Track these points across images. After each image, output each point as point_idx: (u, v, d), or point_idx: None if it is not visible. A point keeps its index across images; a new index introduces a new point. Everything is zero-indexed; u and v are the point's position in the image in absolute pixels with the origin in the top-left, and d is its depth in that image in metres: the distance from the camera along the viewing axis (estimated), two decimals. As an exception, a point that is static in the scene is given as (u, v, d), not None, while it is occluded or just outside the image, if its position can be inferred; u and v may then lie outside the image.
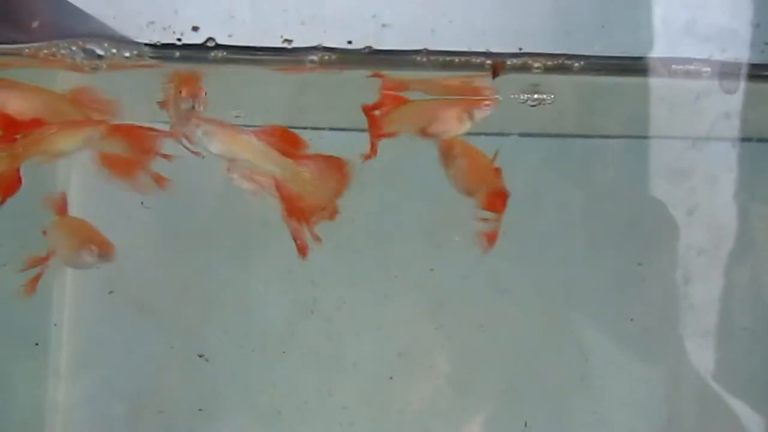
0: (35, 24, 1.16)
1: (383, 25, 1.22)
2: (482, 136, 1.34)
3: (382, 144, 1.36)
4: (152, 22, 1.18)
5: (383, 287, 1.47)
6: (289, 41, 1.21)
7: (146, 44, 1.16)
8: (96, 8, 1.18)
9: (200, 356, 1.46)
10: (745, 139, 1.39)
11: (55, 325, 1.48)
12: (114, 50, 1.15)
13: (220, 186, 1.40)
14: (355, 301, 1.47)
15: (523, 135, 1.47)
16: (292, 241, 1.25)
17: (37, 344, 1.46)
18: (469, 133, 1.35)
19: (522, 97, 1.32)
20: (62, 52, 1.14)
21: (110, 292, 1.47)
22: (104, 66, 1.15)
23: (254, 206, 1.35)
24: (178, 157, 1.27)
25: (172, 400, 1.49)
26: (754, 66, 1.29)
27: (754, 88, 1.31)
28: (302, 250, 1.23)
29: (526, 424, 1.45)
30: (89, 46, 1.14)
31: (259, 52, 1.21)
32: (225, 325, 1.48)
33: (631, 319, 1.43)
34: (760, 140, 1.43)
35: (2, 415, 1.48)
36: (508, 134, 1.44)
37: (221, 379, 1.47)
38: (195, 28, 1.19)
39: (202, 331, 1.48)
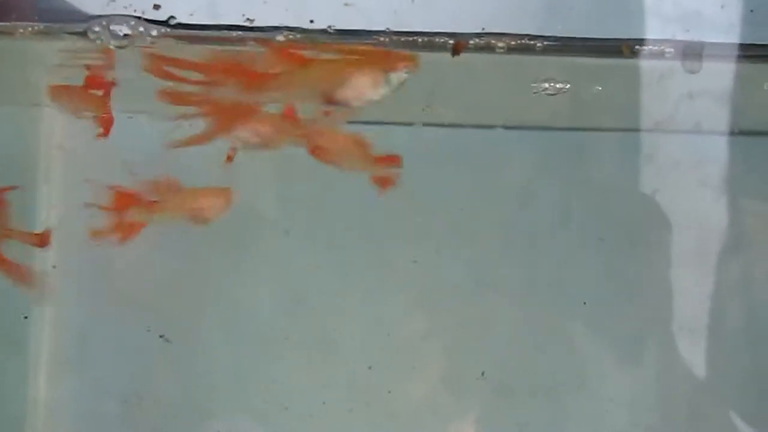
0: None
1: (346, 5, 1.22)
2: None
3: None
4: (113, 0, 1.18)
5: (370, 281, 1.47)
6: (251, 20, 1.21)
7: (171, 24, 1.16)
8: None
9: (165, 338, 1.46)
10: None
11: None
12: (141, 29, 1.15)
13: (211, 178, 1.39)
14: (342, 293, 1.47)
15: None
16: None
17: (26, 317, 1.45)
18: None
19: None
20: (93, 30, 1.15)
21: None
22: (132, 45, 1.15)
23: (245, 199, 1.36)
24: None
25: (161, 394, 1.49)
26: (718, 46, 1.29)
27: (719, 69, 1.32)
28: None
29: (483, 374, 1.46)
30: (115, 26, 1.15)
31: (222, 31, 1.21)
32: (214, 318, 1.48)
33: (584, 303, 1.43)
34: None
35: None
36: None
37: (211, 372, 1.48)
38: (156, 6, 1.19)
39: (190, 324, 1.48)
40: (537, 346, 1.48)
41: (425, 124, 1.43)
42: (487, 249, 1.47)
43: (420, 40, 1.20)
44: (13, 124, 1.45)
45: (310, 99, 1.13)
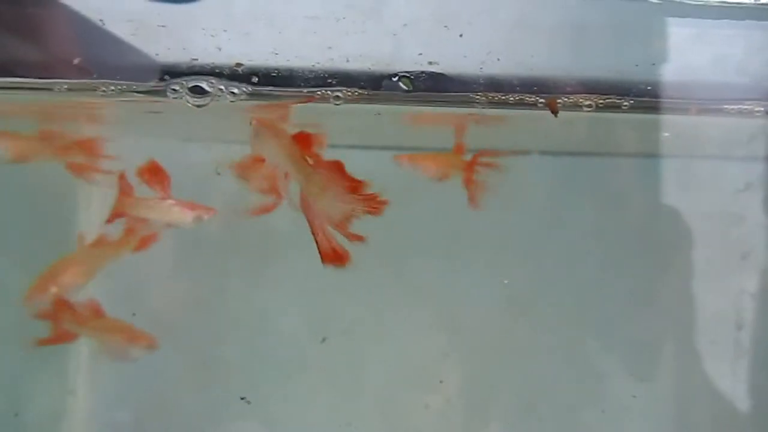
0: (77, 60, 1.13)
1: (430, 63, 1.19)
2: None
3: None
4: (195, 59, 1.15)
5: (398, 305, 1.43)
6: (335, 77, 1.18)
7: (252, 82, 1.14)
8: (137, 46, 1.15)
9: (235, 398, 1.41)
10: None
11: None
12: (222, 87, 1.13)
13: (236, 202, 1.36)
14: (373, 324, 1.43)
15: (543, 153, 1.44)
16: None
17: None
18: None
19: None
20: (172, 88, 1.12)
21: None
22: (210, 104, 1.13)
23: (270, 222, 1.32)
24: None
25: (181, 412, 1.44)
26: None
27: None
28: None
29: (513, 396, 1.40)
30: (194, 83, 1.12)
31: (304, 89, 1.18)
32: (241, 343, 1.43)
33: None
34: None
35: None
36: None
37: (235, 394, 1.43)
38: (238, 65, 1.16)
39: (219, 350, 1.43)
40: (569, 371, 1.44)
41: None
42: (519, 273, 1.44)
43: (511, 98, 1.16)
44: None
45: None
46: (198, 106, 1.16)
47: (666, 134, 1.30)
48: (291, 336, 1.44)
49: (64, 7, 1.15)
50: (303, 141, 1.12)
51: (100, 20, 1.14)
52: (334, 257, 1.10)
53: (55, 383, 1.44)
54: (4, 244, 1.38)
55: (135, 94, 1.14)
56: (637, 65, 1.24)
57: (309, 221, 1.10)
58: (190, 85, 1.14)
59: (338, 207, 1.10)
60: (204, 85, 1.14)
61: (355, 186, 1.09)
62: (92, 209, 1.42)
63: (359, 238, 1.10)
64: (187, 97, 1.15)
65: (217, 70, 1.15)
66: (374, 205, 1.10)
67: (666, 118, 1.27)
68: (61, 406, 1.44)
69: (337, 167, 1.09)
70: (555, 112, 1.16)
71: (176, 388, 1.44)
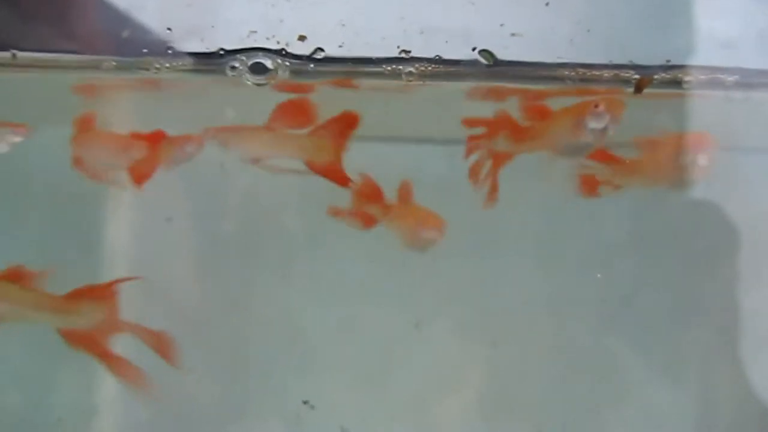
0: (125, 34, 1.02)
1: (512, 35, 1.08)
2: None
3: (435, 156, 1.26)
4: (254, 32, 1.05)
5: (430, 302, 1.35)
6: (407, 52, 1.07)
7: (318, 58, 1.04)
8: (191, 17, 1.05)
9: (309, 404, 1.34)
10: None
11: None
12: (287, 63, 1.02)
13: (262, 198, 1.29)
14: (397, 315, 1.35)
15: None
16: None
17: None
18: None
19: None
20: (230, 65, 1.02)
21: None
22: (272, 82, 1.02)
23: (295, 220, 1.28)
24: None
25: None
26: None
27: None
28: None
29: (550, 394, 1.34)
30: (255, 59, 1.01)
31: (374, 64, 1.07)
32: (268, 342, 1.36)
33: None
34: None
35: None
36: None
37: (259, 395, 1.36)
38: (302, 38, 1.05)
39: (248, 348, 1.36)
40: (611, 370, 1.36)
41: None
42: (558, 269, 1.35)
43: (605, 74, 1.05)
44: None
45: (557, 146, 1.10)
46: (258, 84, 1.05)
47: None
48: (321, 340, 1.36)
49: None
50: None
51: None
52: None
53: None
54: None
55: (190, 73, 1.04)
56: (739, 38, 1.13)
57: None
58: (251, 62, 1.04)
59: None
60: (268, 63, 1.03)
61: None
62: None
63: None
64: (248, 76, 1.05)
65: (278, 44, 1.05)
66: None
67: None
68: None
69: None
70: (640, 90, 1.05)
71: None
